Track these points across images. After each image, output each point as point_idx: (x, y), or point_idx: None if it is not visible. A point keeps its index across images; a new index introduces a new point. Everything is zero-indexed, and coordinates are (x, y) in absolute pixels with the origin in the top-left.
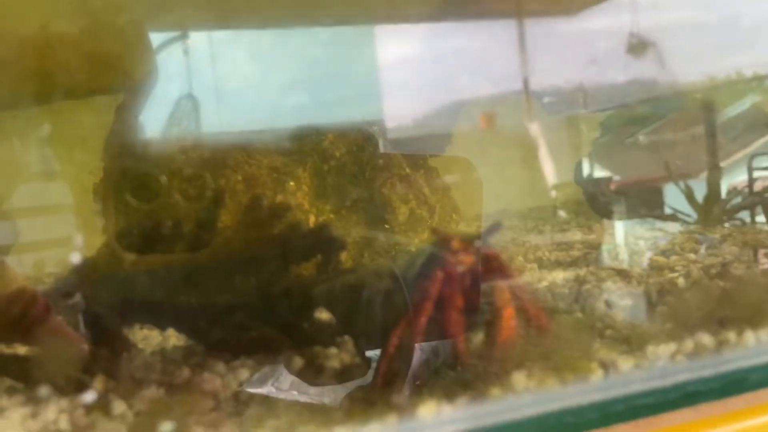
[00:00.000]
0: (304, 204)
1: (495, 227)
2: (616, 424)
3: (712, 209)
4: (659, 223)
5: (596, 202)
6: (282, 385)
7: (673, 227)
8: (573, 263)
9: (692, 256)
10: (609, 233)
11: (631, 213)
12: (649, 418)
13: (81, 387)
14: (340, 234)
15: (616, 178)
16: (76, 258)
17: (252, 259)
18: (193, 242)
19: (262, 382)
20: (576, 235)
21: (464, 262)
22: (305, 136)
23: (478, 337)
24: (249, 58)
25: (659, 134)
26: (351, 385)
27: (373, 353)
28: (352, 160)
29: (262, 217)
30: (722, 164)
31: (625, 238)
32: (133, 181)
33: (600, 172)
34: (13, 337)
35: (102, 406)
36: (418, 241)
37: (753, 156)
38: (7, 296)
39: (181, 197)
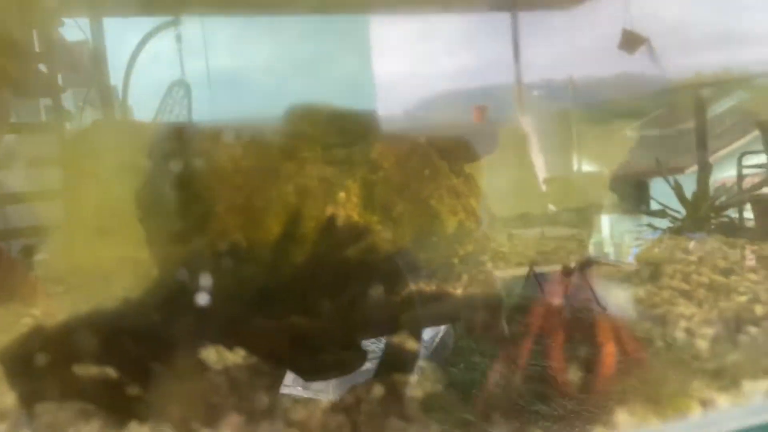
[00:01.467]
0: (353, 215)
1: (589, 261)
2: None
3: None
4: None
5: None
6: (285, 380)
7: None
8: (627, 279)
9: (753, 276)
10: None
11: None
12: None
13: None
14: (415, 259)
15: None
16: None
17: (328, 280)
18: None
19: None
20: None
21: (563, 295)
22: (354, 143)
23: (579, 372)
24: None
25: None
26: (351, 379)
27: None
28: (400, 171)
29: (340, 238)
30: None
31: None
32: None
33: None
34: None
35: None
36: (463, 253)
37: (742, 154)
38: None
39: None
